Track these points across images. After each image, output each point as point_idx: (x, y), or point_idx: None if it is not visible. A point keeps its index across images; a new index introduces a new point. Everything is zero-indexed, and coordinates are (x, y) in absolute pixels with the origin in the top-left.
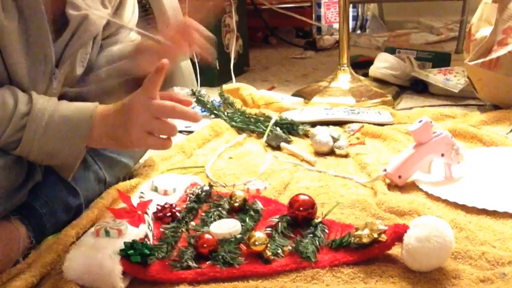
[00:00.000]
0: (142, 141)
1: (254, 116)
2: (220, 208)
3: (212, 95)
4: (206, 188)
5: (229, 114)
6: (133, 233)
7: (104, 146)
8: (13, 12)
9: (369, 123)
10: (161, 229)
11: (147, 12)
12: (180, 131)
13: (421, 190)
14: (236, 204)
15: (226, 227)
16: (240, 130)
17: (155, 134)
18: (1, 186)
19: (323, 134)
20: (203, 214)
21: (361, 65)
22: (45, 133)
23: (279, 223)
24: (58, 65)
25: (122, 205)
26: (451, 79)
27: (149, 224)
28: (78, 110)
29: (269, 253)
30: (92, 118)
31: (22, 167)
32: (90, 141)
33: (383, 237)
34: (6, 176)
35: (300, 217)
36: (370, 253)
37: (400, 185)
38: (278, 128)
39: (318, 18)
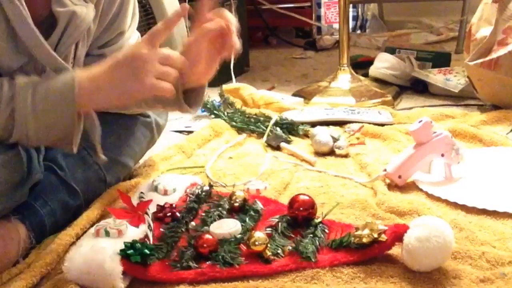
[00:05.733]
0: (155, 86)
1: (254, 116)
2: (220, 208)
3: (212, 95)
4: (206, 188)
5: (229, 114)
6: (133, 233)
7: (106, 105)
8: None
9: (369, 123)
10: (161, 229)
11: (147, 13)
12: (180, 131)
13: (421, 190)
14: (236, 204)
15: (226, 227)
16: (240, 130)
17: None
18: (0, 183)
19: (323, 134)
20: (203, 214)
21: (361, 65)
22: (35, 109)
23: (279, 223)
24: None
25: (122, 205)
26: (451, 79)
27: (149, 224)
28: (61, 78)
29: (269, 253)
30: (75, 80)
31: (21, 164)
32: (83, 103)
33: (383, 237)
34: (5, 173)
35: (300, 217)
36: (370, 253)
37: (400, 185)
38: (278, 128)
39: (318, 18)
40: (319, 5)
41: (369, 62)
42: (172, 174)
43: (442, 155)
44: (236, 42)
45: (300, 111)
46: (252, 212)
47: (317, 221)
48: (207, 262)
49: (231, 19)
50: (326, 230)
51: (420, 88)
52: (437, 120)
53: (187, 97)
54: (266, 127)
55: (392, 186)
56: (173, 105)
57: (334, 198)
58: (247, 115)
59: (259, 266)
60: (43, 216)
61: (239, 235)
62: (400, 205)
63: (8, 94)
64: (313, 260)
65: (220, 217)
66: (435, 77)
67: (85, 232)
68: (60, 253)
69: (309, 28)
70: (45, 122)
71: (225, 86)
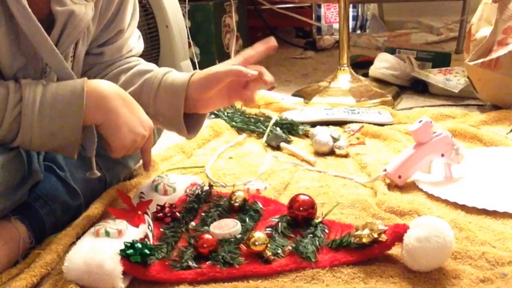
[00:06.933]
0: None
1: (254, 116)
2: (220, 208)
3: None
4: (206, 188)
5: (229, 114)
6: (133, 233)
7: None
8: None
9: (369, 123)
10: (161, 229)
11: (147, 13)
12: None
13: (421, 190)
14: (236, 204)
15: (226, 227)
16: (240, 130)
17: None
18: (0, 184)
19: (323, 134)
20: (203, 214)
21: (361, 65)
22: (41, 115)
23: (279, 223)
24: None
25: (122, 205)
26: (451, 79)
27: (149, 224)
28: (69, 86)
29: (269, 253)
30: (84, 91)
31: (21, 165)
32: (92, 112)
33: (383, 237)
34: (6, 174)
35: (300, 217)
36: (370, 253)
37: (400, 185)
38: (278, 128)
39: (318, 18)
40: (319, 5)
41: (369, 62)
42: (172, 174)
43: (442, 155)
44: (253, 100)
45: (300, 111)
46: (252, 212)
47: (317, 221)
48: (207, 262)
49: (270, 80)
50: (326, 230)
51: (420, 88)
52: (437, 120)
53: (187, 120)
54: (266, 127)
55: (392, 186)
56: (172, 127)
57: (334, 198)
58: (247, 115)
59: (259, 266)
60: (43, 216)
61: (239, 235)
62: (400, 205)
63: (15, 97)
64: (313, 260)
65: (220, 217)
66: (435, 77)
67: (85, 232)
68: (60, 253)
69: (309, 28)
70: (50, 129)
71: None
